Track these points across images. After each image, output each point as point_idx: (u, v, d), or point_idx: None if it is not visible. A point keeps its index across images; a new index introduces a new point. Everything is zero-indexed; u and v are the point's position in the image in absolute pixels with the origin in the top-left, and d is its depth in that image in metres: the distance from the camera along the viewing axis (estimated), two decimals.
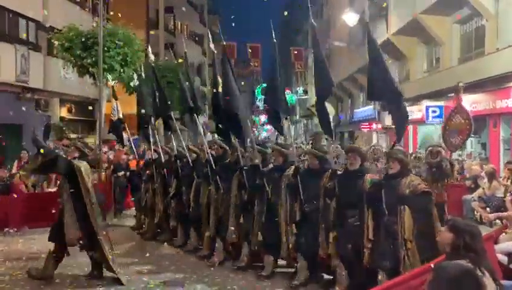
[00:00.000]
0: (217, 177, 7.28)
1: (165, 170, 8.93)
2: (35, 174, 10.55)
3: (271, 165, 6.83)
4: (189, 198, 7.96)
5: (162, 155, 9.23)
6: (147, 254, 7.69)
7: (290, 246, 6.12)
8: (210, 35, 8.74)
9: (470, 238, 3.00)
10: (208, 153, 7.64)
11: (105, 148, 12.94)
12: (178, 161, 8.56)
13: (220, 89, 7.17)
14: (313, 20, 6.20)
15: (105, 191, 10.60)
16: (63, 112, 20.43)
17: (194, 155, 8.31)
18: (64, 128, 17.85)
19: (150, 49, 10.34)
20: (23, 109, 15.26)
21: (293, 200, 6.15)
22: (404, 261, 4.78)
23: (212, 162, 7.45)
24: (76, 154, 6.43)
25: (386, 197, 4.98)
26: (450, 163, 8.99)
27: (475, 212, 10.18)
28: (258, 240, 6.53)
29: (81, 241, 6.15)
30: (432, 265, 2.74)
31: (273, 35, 6.44)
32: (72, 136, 16.45)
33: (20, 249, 8.19)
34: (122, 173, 11.92)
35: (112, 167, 12.23)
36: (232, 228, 6.89)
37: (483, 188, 10.32)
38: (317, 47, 6.20)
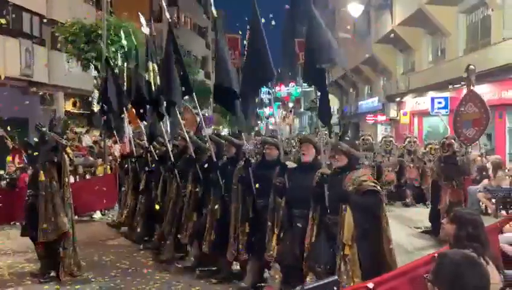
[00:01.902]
0: (176, 171, 6.83)
1: (136, 164, 8.61)
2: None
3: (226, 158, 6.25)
4: (156, 194, 7.58)
5: (134, 148, 8.86)
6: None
7: (240, 246, 5.51)
8: (142, 18, 8.16)
9: (472, 228, 3.03)
10: (167, 146, 7.24)
11: (109, 142, 12.89)
12: (148, 155, 8.14)
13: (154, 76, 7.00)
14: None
15: (110, 185, 10.58)
16: (68, 106, 20.49)
17: (164, 149, 7.79)
18: (69, 122, 17.90)
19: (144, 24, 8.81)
20: (29, 103, 15.28)
21: (245, 196, 5.56)
22: (340, 267, 4.20)
23: (172, 156, 7.03)
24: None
25: (329, 193, 4.41)
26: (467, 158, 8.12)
27: (480, 203, 10.16)
28: (211, 240, 5.93)
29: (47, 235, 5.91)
30: (436, 254, 2.74)
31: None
32: (77, 130, 16.49)
33: (26, 242, 8.24)
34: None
35: (118, 160, 12.06)
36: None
37: (489, 179, 10.29)
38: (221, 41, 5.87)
